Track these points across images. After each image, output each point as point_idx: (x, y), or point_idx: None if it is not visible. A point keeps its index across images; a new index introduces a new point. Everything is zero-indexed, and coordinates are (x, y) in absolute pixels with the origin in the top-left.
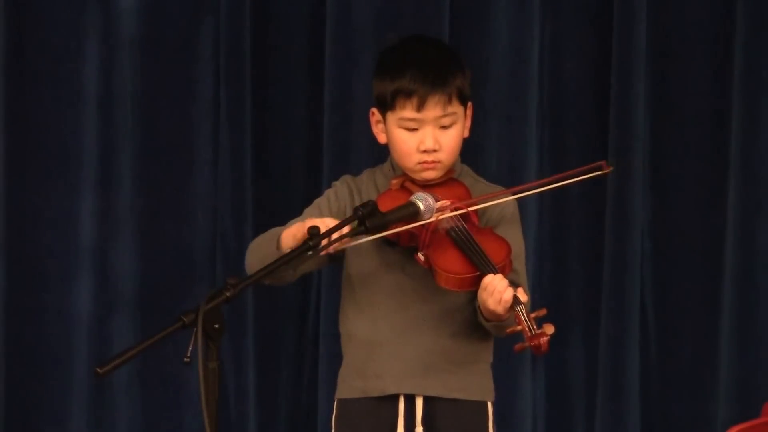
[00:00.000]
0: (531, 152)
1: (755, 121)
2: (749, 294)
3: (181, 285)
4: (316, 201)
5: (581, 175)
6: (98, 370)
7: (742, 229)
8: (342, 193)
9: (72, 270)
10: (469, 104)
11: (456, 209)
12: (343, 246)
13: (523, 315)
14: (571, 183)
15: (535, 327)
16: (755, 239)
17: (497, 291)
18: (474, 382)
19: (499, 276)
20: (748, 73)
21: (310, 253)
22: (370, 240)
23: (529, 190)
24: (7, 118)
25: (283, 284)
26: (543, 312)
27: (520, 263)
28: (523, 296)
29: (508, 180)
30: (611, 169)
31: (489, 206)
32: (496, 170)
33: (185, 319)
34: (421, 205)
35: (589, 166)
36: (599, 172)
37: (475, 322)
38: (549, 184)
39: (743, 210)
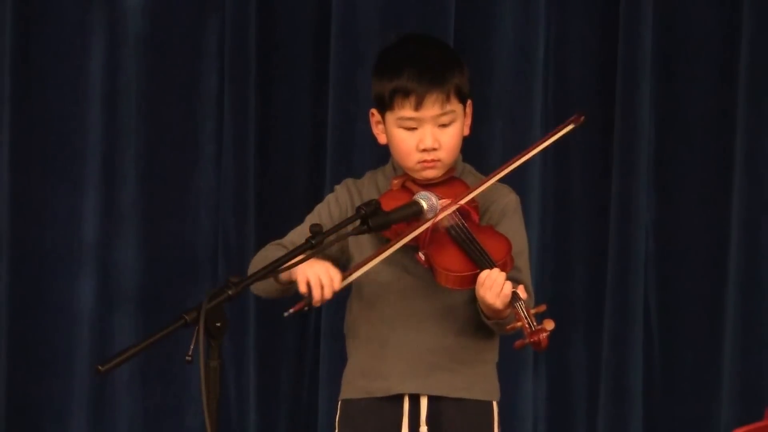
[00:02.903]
0: None
1: (761, 121)
2: (754, 294)
3: (183, 283)
4: (317, 207)
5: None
6: (99, 367)
7: (746, 229)
8: (342, 197)
9: (74, 267)
10: (469, 102)
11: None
12: (360, 272)
13: (523, 311)
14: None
15: (534, 323)
16: (760, 239)
17: (496, 284)
18: (479, 382)
19: (497, 270)
20: (753, 72)
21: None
22: (382, 258)
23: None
24: (12, 115)
25: (278, 297)
26: (543, 308)
27: (522, 260)
28: (522, 293)
29: (512, 179)
30: (583, 119)
31: (491, 204)
32: None
33: (187, 317)
34: (425, 204)
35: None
36: (574, 125)
37: (479, 321)
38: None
39: (748, 210)
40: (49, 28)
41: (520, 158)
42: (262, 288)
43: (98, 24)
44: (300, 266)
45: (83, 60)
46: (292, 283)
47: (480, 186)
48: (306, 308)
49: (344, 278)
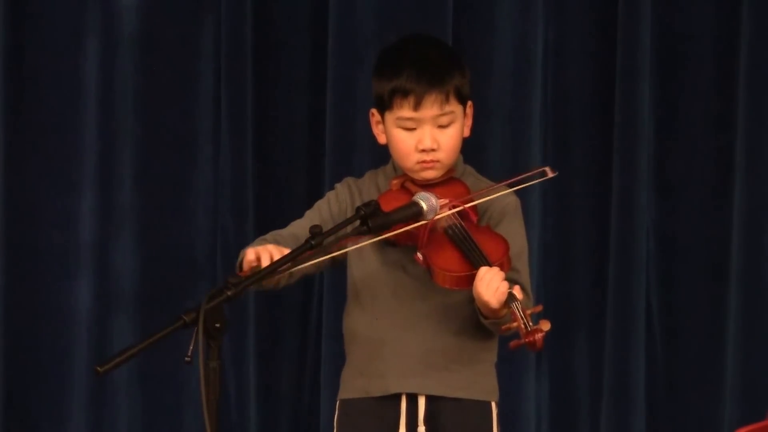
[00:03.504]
0: (534, 152)
1: (761, 122)
2: (755, 295)
3: (181, 283)
4: (317, 203)
5: (526, 181)
6: (98, 368)
7: (748, 230)
8: (342, 195)
9: (72, 268)
10: (469, 103)
11: (452, 208)
12: (345, 250)
13: (519, 312)
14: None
15: (530, 323)
16: (761, 239)
17: (493, 282)
18: (477, 382)
19: (495, 269)
20: (753, 73)
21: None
22: (370, 242)
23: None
24: (7, 115)
25: (278, 289)
26: (539, 309)
27: (521, 261)
28: (519, 294)
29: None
30: (556, 173)
31: (491, 205)
32: (499, 170)
33: (186, 318)
34: (424, 205)
35: (534, 171)
36: (543, 178)
37: (477, 322)
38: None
39: (749, 210)
40: (44, 28)
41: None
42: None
43: (93, 24)
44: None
45: (78, 60)
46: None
47: (479, 198)
48: (237, 269)
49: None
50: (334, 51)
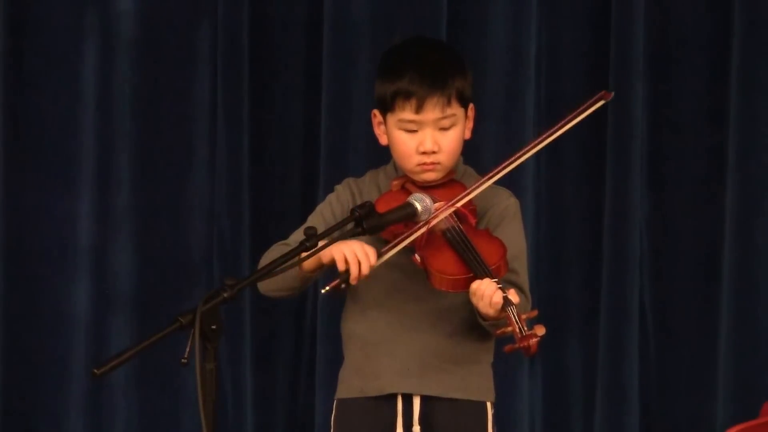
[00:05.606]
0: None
1: (753, 121)
2: (748, 293)
3: (178, 286)
4: (319, 207)
5: (584, 111)
6: (95, 370)
7: (740, 228)
8: (343, 196)
9: (69, 270)
10: (471, 106)
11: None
12: (395, 251)
13: (514, 316)
14: (574, 123)
15: (525, 328)
16: (754, 238)
17: (487, 293)
18: (473, 382)
19: (487, 280)
20: (745, 72)
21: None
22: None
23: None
24: (5, 118)
25: (292, 296)
26: (534, 313)
27: (520, 263)
28: (514, 298)
29: (505, 180)
30: (612, 95)
31: (490, 207)
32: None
33: (183, 320)
34: (419, 206)
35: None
36: (602, 102)
37: (474, 322)
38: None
39: (741, 209)
40: (42, 33)
41: (518, 156)
42: (275, 286)
43: (91, 28)
44: (335, 245)
45: (76, 64)
46: (318, 270)
47: (477, 187)
48: (342, 285)
49: (380, 255)
50: (329, 54)
